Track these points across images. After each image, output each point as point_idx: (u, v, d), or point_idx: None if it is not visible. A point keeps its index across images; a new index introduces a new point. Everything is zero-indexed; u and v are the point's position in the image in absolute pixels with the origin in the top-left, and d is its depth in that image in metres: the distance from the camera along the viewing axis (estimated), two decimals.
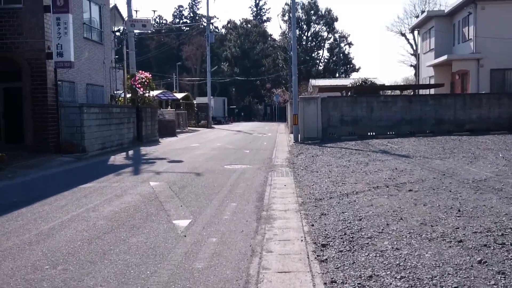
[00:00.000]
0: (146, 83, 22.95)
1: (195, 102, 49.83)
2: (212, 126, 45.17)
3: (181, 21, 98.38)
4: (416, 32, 57.42)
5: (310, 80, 48.47)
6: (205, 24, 50.33)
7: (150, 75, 23.45)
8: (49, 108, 15.95)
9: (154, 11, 37.97)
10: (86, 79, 19.39)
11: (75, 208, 7.73)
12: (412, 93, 30.71)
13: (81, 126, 16.69)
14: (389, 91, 32.25)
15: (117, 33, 23.78)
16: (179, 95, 40.02)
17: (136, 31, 25.56)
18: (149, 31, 22.76)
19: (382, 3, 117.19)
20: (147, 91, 25.02)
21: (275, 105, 65.12)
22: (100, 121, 18.19)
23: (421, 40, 33.70)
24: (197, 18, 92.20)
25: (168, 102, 40.34)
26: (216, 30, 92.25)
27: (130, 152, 18.50)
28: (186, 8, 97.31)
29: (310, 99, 22.05)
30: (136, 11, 24.27)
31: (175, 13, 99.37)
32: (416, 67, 56.31)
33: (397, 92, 34.08)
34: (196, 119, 45.11)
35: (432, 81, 30.15)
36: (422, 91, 30.50)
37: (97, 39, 20.68)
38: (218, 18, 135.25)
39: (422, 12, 55.09)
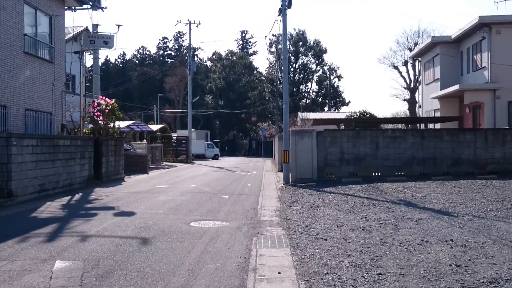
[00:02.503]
0: (107, 110, 19.04)
1: (174, 135, 45.98)
2: (193, 161, 41.22)
3: (165, 53, 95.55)
4: (409, 65, 55.14)
5: (299, 113, 45.10)
6: (191, 58, 46.96)
7: (113, 101, 19.58)
8: None
9: (118, 26, 31.70)
10: (25, 103, 15.49)
11: None
12: (407, 127, 27.39)
13: (8, 163, 12.67)
14: (392, 125, 28.82)
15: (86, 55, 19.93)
16: (155, 127, 36.18)
17: (101, 50, 21.79)
18: (112, 49, 18.85)
19: (372, 35, 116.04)
20: (111, 121, 21.10)
21: (260, 139, 61.60)
22: (39, 156, 14.19)
23: (423, 70, 30.62)
24: (182, 49, 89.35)
25: (143, 134, 36.43)
26: (201, 61, 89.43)
27: (77, 196, 14.45)
28: (171, 39, 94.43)
29: (303, 133, 18.40)
30: (97, 25, 20.33)
31: (160, 45, 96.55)
32: (410, 100, 53.53)
33: (395, 126, 30.84)
34: (174, 153, 41.14)
35: (437, 115, 26.84)
36: (423, 125, 27.17)
37: (46, 56, 16.90)
38: (203, 50, 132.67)
39: (416, 44, 52.71)
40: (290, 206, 11.78)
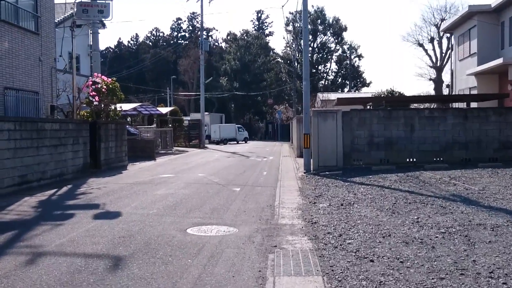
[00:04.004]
0: (103, 90, 16.85)
1: (187, 118, 43.94)
2: (206, 146, 39.13)
3: (179, 34, 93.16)
4: (435, 43, 51.86)
5: (318, 94, 42.56)
6: (204, 37, 44.35)
7: (110, 79, 17.39)
8: None
9: None
10: (3, 80, 13.40)
11: None
12: (443, 106, 24.68)
13: None
14: (422, 104, 26.14)
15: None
16: (164, 110, 34.02)
17: (103, 29, 19.52)
18: (108, 20, 16.53)
19: (396, 10, 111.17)
20: (112, 102, 18.99)
21: (277, 122, 59.25)
22: (18, 143, 12.13)
23: (456, 44, 27.74)
24: (196, 30, 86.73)
25: (153, 117, 34.36)
26: (216, 42, 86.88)
27: (64, 189, 12.38)
28: (185, 20, 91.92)
29: (327, 114, 16.02)
30: None
31: (173, 26, 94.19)
32: (436, 80, 50.44)
33: (419, 105, 28.17)
34: (187, 137, 39.06)
35: (474, 93, 24.09)
36: (456, 105, 24.48)
37: (30, 27, 14.73)
38: (217, 30, 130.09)
39: (442, 20, 49.40)
40: (314, 203, 9.52)
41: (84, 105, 19.37)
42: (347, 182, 12.50)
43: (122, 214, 8.51)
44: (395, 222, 7.34)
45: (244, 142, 50.39)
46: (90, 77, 17.33)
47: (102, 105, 18.86)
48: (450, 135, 16.09)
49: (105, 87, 17.00)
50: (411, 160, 16.06)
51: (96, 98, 16.92)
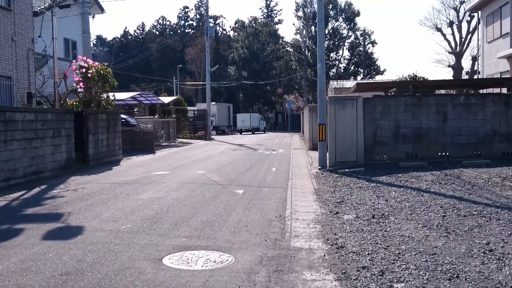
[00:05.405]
0: (89, 75, 14.76)
1: (193, 108, 41.86)
2: (212, 137, 37.05)
3: (186, 23, 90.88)
4: (455, 27, 49.03)
5: (331, 81, 40.23)
6: (210, 25, 41.98)
7: (97, 64, 15.27)
8: None
9: None
10: None
11: None
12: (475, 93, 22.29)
13: None
14: (447, 90, 23.74)
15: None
16: (167, 99, 31.88)
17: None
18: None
19: None
20: (104, 90, 16.95)
21: (287, 112, 57.01)
22: None
23: (484, 25, 25.26)
24: (203, 19, 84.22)
25: (155, 107, 32.29)
26: (224, 30, 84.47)
27: (34, 191, 10.38)
28: (192, 9, 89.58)
29: (345, 101, 13.81)
30: None
31: (180, 15, 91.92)
32: (455, 66, 47.72)
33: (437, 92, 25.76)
34: (192, 128, 37.03)
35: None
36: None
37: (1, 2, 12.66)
38: (225, 18, 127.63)
39: (462, 2, 46.59)
40: (336, 213, 7.40)
41: (75, 94, 17.39)
42: (373, 182, 10.37)
43: (84, 231, 6.46)
44: (456, 249, 5.19)
45: (263, 132, 51.71)
46: (74, 61, 15.25)
47: (93, 93, 16.86)
48: (490, 125, 13.82)
49: (90, 71, 14.89)
50: (443, 154, 13.83)
51: (81, 84, 14.84)
